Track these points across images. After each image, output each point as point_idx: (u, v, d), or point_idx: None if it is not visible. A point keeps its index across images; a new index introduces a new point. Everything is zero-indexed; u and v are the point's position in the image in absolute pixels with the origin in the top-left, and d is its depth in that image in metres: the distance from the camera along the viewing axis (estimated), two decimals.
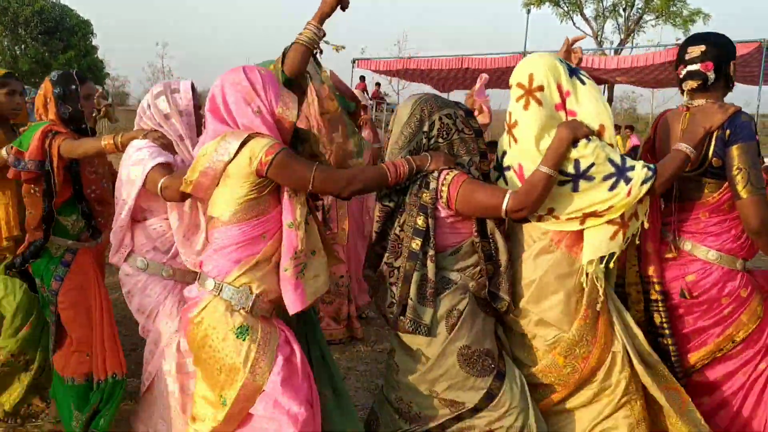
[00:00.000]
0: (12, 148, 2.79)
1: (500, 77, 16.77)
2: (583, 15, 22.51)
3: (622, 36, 22.32)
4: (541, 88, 2.19)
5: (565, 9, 22.34)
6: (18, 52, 23.64)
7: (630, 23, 22.17)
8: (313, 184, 2.08)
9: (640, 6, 21.91)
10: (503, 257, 2.25)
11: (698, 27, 23.09)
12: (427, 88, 23.05)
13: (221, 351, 2.09)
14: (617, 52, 19.79)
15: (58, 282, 2.86)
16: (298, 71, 2.38)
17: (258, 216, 2.10)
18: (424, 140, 2.25)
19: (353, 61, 17.29)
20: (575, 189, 2.16)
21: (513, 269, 2.28)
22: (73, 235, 2.91)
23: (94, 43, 25.35)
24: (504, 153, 2.34)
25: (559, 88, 2.20)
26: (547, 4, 22.00)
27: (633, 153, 2.96)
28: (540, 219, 2.24)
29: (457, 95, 17.51)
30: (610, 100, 20.96)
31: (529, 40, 41.34)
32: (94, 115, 3.08)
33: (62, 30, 23.57)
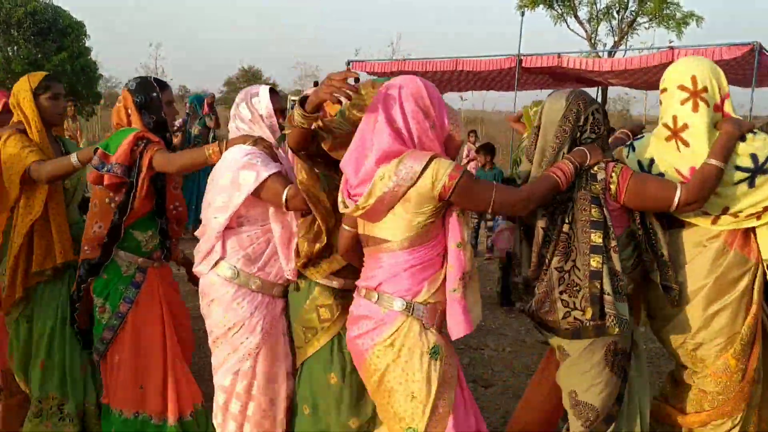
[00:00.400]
0: (97, 150, 2.60)
1: (494, 79, 16.79)
2: (576, 17, 22.58)
3: (616, 38, 22.41)
4: (705, 90, 2.23)
5: (559, 11, 22.38)
6: (11, 54, 23.51)
7: (623, 26, 22.24)
8: (493, 207, 2.04)
9: (633, 9, 21.98)
10: (665, 248, 2.25)
11: (691, 29, 23.15)
12: None
13: (413, 375, 2.03)
14: (611, 54, 19.82)
15: (128, 305, 2.64)
16: (304, 146, 2.22)
17: (433, 239, 2.06)
18: (578, 134, 2.24)
19: (348, 63, 17.23)
20: (752, 185, 2.19)
21: (680, 275, 2.28)
22: (145, 252, 2.72)
23: (87, 45, 25.27)
24: (651, 160, 2.35)
25: (720, 89, 2.26)
26: (541, 6, 22.03)
27: None
28: (715, 221, 2.26)
29: (451, 97, 17.53)
30: (603, 102, 20.98)
31: (524, 42, 41.35)
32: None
33: (55, 31, 23.45)
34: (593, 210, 2.15)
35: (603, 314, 2.13)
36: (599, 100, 20.53)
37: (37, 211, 2.80)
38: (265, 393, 2.51)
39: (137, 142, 2.57)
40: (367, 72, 17.15)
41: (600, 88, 19.36)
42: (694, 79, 2.22)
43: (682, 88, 2.24)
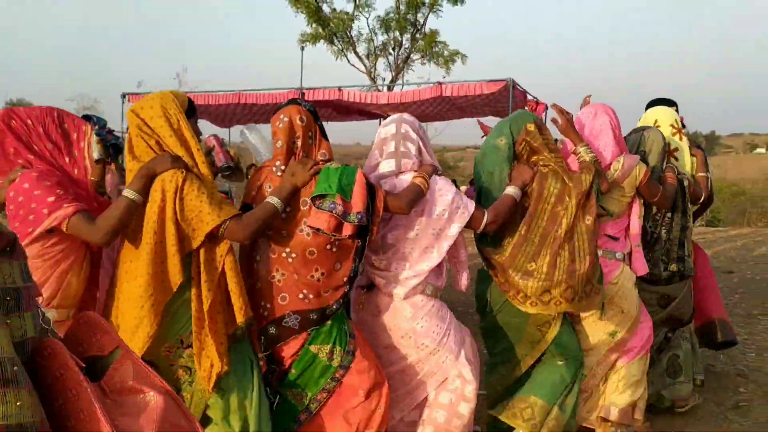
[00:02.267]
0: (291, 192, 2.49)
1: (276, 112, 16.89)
2: (356, 53, 23.63)
3: (393, 74, 23.80)
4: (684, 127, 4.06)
5: (340, 47, 23.28)
6: None
7: (399, 62, 23.73)
8: (659, 198, 3.48)
9: (407, 46, 23.58)
10: None
11: (458, 66, 25.43)
12: (208, 125, 22.34)
13: (627, 301, 3.31)
14: (390, 88, 21.02)
15: (353, 339, 2.66)
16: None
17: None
18: None
19: (123, 96, 16.21)
20: None
21: None
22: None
23: None
24: None
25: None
26: (322, 41, 22.73)
27: None
28: None
29: (238, 131, 17.25)
30: None
31: (312, 77, 42.32)
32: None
33: None
34: None
35: None
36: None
37: (218, 269, 2.38)
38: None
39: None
40: None
41: (381, 120, 20.36)
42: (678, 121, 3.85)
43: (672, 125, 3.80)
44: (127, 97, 16.68)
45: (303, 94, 14.65)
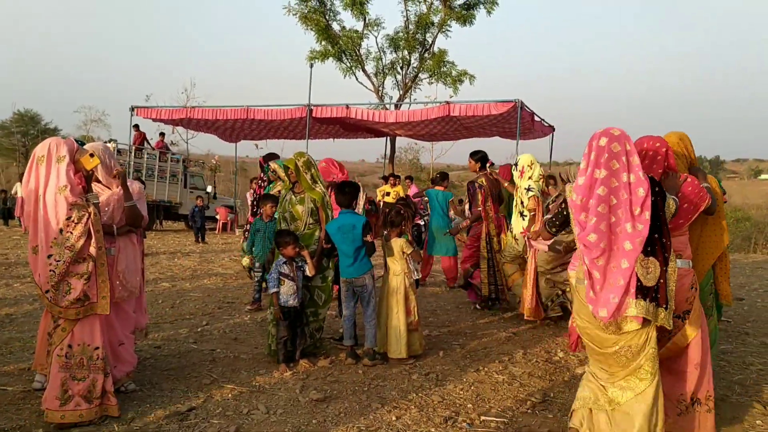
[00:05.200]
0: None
1: (287, 128, 16.90)
2: (364, 71, 23.68)
3: (401, 92, 23.82)
4: None
5: (348, 65, 23.34)
6: None
7: (407, 80, 23.77)
8: None
9: (415, 65, 23.62)
10: None
11: (465, 87, 25.43)
12: (215, 138, 22.41)
13: None
14: (397, 107, 21.00)
15: None
16: None
17: None
18: None
19: (132, 109, 16.26)
20: None
21: None
22: None
23: None
24: None
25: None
26: (331, 59, 22.80)
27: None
28: None
29: (246, 146, 17.26)
30: (393, 152, 22.08)
31: (316, 93, 42.43)
32: None
33: None
34: None
35: None
36: (388, 149, 21.55)
37: None
38: None
39: None
40: (153, 119, 16.31)
41: (388, 138, 20.36)
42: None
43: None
44: (135, 110, 16.80)
45: (311, 110, 14.67)
